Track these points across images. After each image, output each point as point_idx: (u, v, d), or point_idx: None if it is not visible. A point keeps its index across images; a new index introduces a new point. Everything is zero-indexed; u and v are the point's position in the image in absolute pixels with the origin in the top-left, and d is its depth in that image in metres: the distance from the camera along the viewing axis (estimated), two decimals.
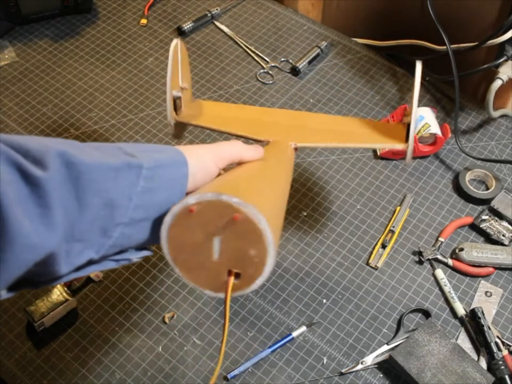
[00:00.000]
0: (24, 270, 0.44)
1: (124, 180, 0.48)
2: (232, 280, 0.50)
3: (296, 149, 0.70)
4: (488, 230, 0.89)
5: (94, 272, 0.51)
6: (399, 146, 0.70)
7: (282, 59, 1.13)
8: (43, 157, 0.44)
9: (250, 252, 0.48)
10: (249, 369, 0.78)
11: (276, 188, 0.58)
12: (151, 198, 0.50)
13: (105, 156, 0.48)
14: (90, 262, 0.50)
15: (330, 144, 0.70)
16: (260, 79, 1.10)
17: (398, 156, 0.98)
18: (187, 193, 0.53)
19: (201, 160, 0.55)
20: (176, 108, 0.71)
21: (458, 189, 0.95)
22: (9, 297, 0.47)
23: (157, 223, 0.51)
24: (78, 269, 0.49)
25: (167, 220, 0.49)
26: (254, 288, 0.50)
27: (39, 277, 0.48)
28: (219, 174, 0.58)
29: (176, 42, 0.68)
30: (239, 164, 0.60)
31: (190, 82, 0.75)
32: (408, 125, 0.68)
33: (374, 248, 0.88)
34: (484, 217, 0.90)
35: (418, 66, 0.67)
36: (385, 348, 0.79)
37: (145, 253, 0.55)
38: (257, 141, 0.69)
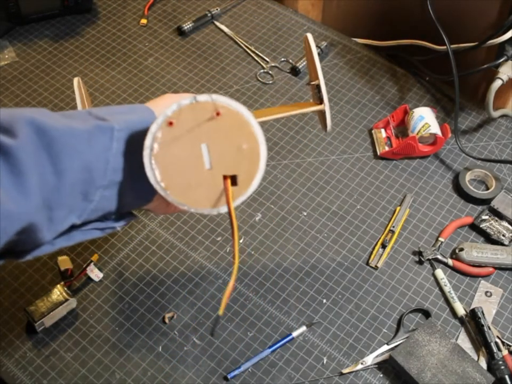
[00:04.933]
0: (5, 240, 0.44)
1: (98, 143, 0.48)
2: (229, 184, 0.49)
3: None
4: (488, 230, 0.89)
5: (79, 241, 0.51)
6: (316, 108, 0.75)
7: (282, 59, 1.13)
8: (12, 126, 0.45)
9: (241, 147, 0.47)
10: (249, 369, 0.78)
11: None
12: (127, 159, 0.50)
13: (76, 122, 0.48)
14: (73, 227, 0.50)
15: (271, 117, 0.74)
16: (260, 79, 1.10)
17: (398, 155, 0.98)
18: None
19: None
20: None
21: (458, 189, 0.95)
22: None
23: (137, 183, 0.51)
24: (62, 235, 0.49)
25: (148, 143, 0.48)
26: (253, 188, 0.49)
27: (22, 246, 0.48)
28: None
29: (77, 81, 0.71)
30: None
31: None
32: (318, 86, 0.74)
33: (374, 248, 0.88)
34: (484, 217, 0.90)
35: (310, 38, 0.75)
36: (385, 348, 0.79)
37: (129, 219, 0.55)
38: None
